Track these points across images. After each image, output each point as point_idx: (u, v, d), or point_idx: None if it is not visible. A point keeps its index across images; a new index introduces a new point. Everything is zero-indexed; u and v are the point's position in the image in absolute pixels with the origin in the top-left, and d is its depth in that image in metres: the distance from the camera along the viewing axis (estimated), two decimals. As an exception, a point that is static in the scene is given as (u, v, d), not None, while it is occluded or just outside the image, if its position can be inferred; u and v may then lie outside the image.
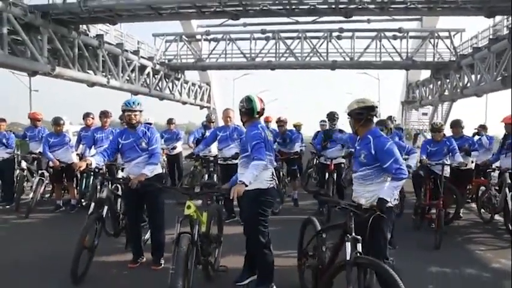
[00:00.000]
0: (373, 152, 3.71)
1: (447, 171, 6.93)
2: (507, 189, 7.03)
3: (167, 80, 29.55)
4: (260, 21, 26.01)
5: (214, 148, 8.68)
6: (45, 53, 17.89)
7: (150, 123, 9.16)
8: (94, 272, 4.76)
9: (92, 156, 5.68)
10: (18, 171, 8.76)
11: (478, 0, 16.46)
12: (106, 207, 5.04)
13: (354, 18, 25.54)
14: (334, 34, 27.25)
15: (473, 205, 8.99)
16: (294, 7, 17.72)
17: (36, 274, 4.97)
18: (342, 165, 8.31)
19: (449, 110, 31.42)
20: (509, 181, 7.16)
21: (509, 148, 7.43)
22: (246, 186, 3.88)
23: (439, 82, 28.02)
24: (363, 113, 3.82)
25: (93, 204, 5.08)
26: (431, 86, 29.75)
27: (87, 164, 4.84)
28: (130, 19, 19.47)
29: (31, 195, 8.14)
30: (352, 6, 17.38)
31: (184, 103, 32.79)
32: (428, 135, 28.38)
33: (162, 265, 5.13)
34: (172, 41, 29.15)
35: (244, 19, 28.29)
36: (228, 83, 41.99)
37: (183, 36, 29.32)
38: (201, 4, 17.24)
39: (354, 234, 3.36)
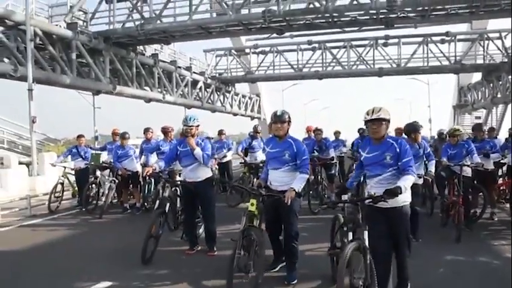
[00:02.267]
0: (398, 150, 4.10)
1: (467, 171, 7.46)
2: None
3: (218, 93, 30.96)
4: (307, 32, 26.82)
5: (261, 155, 9.59)
6: (107, 73, 19.67)
7: (208, 137, 10.31)
8: (159, 257, 5.80)
9: (155, 162, 6.77)
10: (92, 179, 10.10)
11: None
12: (168, 205, 6.10)
13: (408, 24, 25.91)
14: (380, 41, 27.56)
15: (508, 205, 9.31)
16: (336, 20, 18.43)
17: (112, 259, 6.12)
18: None
19: (504, 112, 30.64)
20: None
21: None
22: (297, 193, 4.69)
23: (490, 85, 27.50)
24: (387, 121, 4.21)
25: (157, 202, 6.18)
26: (483, 89, 29.22)
27: (152, 170, 5.93)
28: (183, 39, 20.97)
29: (103, 199, 9.48)
30: (392, 15, 17.84)
31: (235, 114, 34.09)
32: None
33: (215, 252, 6.08)
34: (222, 56, 30.63)
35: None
36: (277, 94, 43.11)
37: (232, 51, 30.72)
38: (247, 22, 18.36)
39: (361, 225, 3.95)
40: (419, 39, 26.74)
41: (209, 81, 28.96)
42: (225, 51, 30.44)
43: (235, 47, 31.03)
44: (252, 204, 4.70)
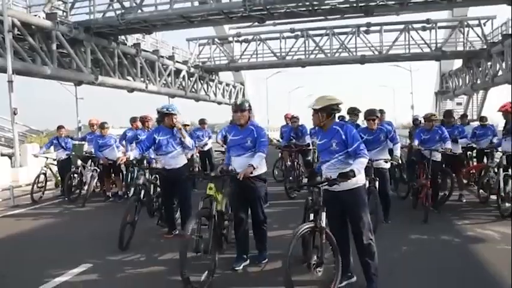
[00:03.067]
0: (343, 137, 4.18)
1: (437, 156, 7.76)
2: (501, 170, 7.75)
3: (202, 81, 31.03)
4: (289, 20, 26.99)
5: None
6: (88, 64, 19.62)
7: (187, 125, 10.47)
8: (137, 242, 6.02)
9: (130, 151, 6.95)
10: (73, 169, 10.23)
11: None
12: (143, 192, 6.30)
13: (388, 12, 26.12)
14: (362, 29, 27.79)
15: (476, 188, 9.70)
16: (316, 8, 18.61)
17: (94, 244, 6.36)
18: None
19: (483, 99, 31.27)
20: (504, 163, 7.87)
21: (509, 133, 8.10)
22: (254, 168, 4.84)
23: (471, 71, 28.00)
24: (335, 109, 4.33)
25: (132, 189, 6.40)
26: (463, 75, 29.74)
27: (126, 158, 6.17)
28: (164, 28, 20.98)
29: (86, 188, 9.64)
30: (372, 4, 18.10)
31: (219, 103, 34.23)
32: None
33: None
34: (205, 44, 30.60)
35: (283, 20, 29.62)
36: (262, 82, 43.27)
37: (215, 39, 30.73)
38: (228, 10, 18.42)
39: (319, 207, 4.18)
40: (401, 26, 27.00)
41: (192, 70, 28.97)
42: (208, 40, 30.43)
43: (218, 35, 31.03)
44: (210, 188, 4.83)
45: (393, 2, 18.09)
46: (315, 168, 4.85)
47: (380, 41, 27.42)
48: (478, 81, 26.75)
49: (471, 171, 9.93)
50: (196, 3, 18.91)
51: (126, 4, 19.00)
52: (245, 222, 5.20)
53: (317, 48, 28.36)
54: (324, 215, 4.13)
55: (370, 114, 6.94)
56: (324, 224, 4.10)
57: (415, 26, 26.80)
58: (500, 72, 23.58)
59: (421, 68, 66.27)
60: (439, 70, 33.36)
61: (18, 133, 15.61)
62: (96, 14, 19.38)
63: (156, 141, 6.32)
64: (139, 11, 18.80)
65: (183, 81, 28.53)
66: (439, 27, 27.13)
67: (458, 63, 30.38)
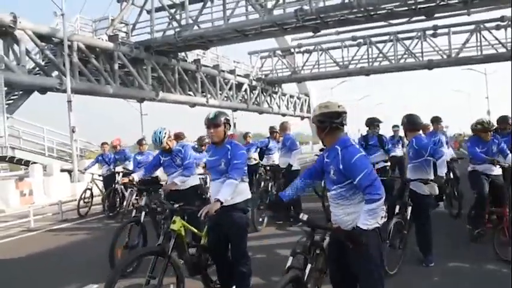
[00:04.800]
0: (340, 166, 3.08)
1: (499, 172, 6.29)
2: None
3: (265, 94, 31.14)
4: (352, 28, 26.31)
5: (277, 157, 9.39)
6: (149, 81, 20.45)
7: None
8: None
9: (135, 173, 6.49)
10: (116, 185, 10.51)
11: None
12: (143, 213, 5.70)
13: (452, 12, 24.68)
14: (429, 32, 26.53)
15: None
16: (372, 13, 17.91)
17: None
18: (387, 168, 8.48)
19: None
20: None
21: None
22: (222, 203, 3.84)
23: (554, 71, 25.54)
24: (325, 121, 3.17)
25: (134, 211, 6.07)
26: (546, 75, 27.19)
27: (129, 180, 5.89)
28: (220, 43, 21.36)
29: (124, 203, 9.84)
30: (432, 4, 17.07)
31: (284, 115, 34.05)
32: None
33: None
34: (267, 57, 30.81)
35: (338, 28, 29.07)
36: (328, 92, 42.51)
37: (277, 51, 30.79)
38: (281, 22, 18.32)
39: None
40: (471, 27, 25.39)
41: (254, 83, 29.21)
42: (270, 53, 30.57)
43: (278, 47, 31.08)
44: (174, 222, 4.04)
45: (456, 1, 16.91)
46: (281, 195, 3.55)
47: (448, 43, 25.89)
48: None
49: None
50: (250, 17, 19.11)
51: (184, 22, 19.57)
52: (226, 261, 4.26)
53: (381, 55, 27.44)
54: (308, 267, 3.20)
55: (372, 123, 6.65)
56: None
57: (487, 25, 25.06)
58: None
59: (499, 69, 60.97)
60: (519, 71, 30.70)
61: (79, 148, 16.54)
62: (157, 33, 20.16)
63: (161, 162, 6.10)
64: (196, 27, 19.27)
65: (245, 94, 28.84)
66: (516, 25, 25.00)
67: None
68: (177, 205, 4.22)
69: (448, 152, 9.38)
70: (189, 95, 24.00)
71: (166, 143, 5.81)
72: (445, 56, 25.99)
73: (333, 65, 29.03)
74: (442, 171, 5.32)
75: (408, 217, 5.25)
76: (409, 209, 5.25)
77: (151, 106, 56.45)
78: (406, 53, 26.88)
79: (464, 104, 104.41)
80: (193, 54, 23.91)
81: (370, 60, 27.68)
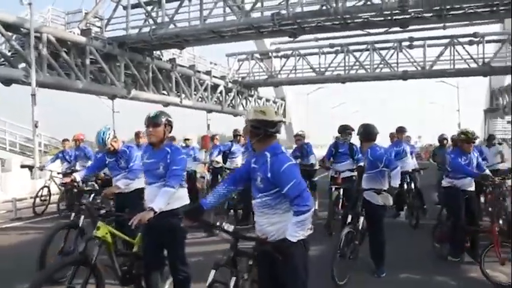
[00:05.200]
0: (269, 174, 2.91)
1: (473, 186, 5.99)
2: None
3: (240, 96, 30.98)
4: (331, 35, 26.54)
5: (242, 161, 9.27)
6: (122, 78, 20.04)
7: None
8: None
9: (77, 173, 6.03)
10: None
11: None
12: (82, 218, 5.11)
13: (428, 25, 25.15)
14: (405, 44, 26.86)
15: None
16: (348, 21, 17.99)
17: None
18: (353, 177, 8.35)
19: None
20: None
21: None
22: (155, 213, 3.64)
23: (523, 87, 26.20)
24: (259, 128, 2.99)
25: (73, 214, 5.49)
26: (514, 92, 27.91)
27: (71, 180, 5.51)
28: (197, 43, 21.16)
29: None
30: (406, 16, 17.25)
31: (259, 119, 33.92)
32: None
33: None
34: (244, 60, 30.67)
35: (315, 34, 29.22)
36: (304, 98, 42.82)
37: (255, 55, 30.71)
38: (258, 25, 18.21)
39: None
40: (446, 41, 25.85)
41: (230, 85, 29.02)
42: (247, 55, 30.46)
43: (256, 50, 31.01)
44: (98, 229, 3.82)
45: (430, 14, 17.13)
46: (202, 202, 3.24)
47: (423, 56, 26.29)
48: (532, 99, 24.90)
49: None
50: (228, 18, 18.95)
51: (160, 20, 19.26)
52: (157, 271, 4.03)
53: (357, 63, 27.62)
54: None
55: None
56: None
57: (461, 40, 25.53)
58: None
59: (472, 83, 62.97)
60: (489, 86, 31.46)
61: (43, 144, 16.05)
62: (132, 30, 19.79)
63: (106, 163, 5.70)
64: (172, 26, 19.00)
65: (220, 96, 28.64)
66: (487, 41, 25.67)
67: (510, 79, 28.56)
68: (103, 211, 4.04)
69: (412, 162, 9.42)
70: (163, 94, 23.62)
71: (111, 144, 5.41)
72: (419, 68, 26.34)
73: (310, 70, 29.06)
74: (396, 182, 5.28)
75: (360, 227, 5.18)
76: (361, 219, 5.18)
77: (123, 104, 55.82)
78: (382, 62, 27.13)
79: (438, 116, 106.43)
80: (169, 53, 23.60)
81: (347, 68, 27.82)
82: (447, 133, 11.05)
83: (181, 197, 4.00)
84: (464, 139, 5.69)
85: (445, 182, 5.98)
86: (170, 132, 4.05)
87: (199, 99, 26.27)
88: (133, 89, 20.91)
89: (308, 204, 2.83)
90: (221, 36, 19.44)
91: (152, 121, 3.92)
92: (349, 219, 5.11)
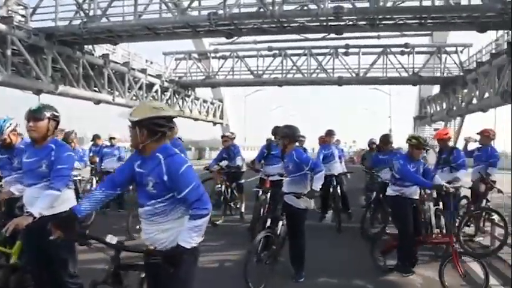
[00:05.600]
0: (165, 177, 2.66)
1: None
2: (431, 204, 6.43)
3: (177, 96, 30.34)
4: (270, 39, 26.76)
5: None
6: (49, 72, 18.86)
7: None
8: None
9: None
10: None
11: (467, 16, 16.42)
12: None
13: (364, 34, 26.02)
14: (341, 51, 27.60)
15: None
16: (285, 25, 18.15)
17: None
18: (281, 182, 8.20)
19: (460, 125, 30.85)
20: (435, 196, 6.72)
21: (445, 163, 7.27)
22: (35, 218, 3.25)
23: (447, 97, 27.74)
24: (163, 125, 2.76)
25: None
26: (440, 101, 29.53)
27: (6, 196, 4.42)
28: (130, 39, 20.42)
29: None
30: (341, 23, 17.68)
31: (196, 119, 33.50)
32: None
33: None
34: (182, 59, 30.15)
35: (254, 36, 29.32)
36: (242, 100, 43.11)
37: (193, 54, 30.29)
38: (194, 24, 17.89)
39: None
40: (379, 49, 26.90)
41: (167, 84, 28.35)
42: (185, 55, 29.98)
43: (194, 50, 30.63)
44: None
45: (364, 23, 17.66)
46: (75, 209, 2.89)
47: (358, 63, 27.18)
48: (454, 108, 26.41)
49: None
50: (164, 15, 18.46)
51: (92, 13, 18.35)
52: (48, 282, 3.61)
53: (294, 67, 27.99)
54: None
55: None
56: None
57: (393, 49, 26.68)
58: (474, 100, 23.26)
59: (403, 92, 67.63)
60: (419, 95, 33.12)
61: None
62: (61, 22, 18.71)
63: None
64: (105, 20, 18.19)
65: (155, 95, 27.90)
66: (417, 53, 27.07)
67: (437, 88, 30.16)
68: None
69: (339, 166, 9.55)
70: (95, 91, 22.60)
71: (9, 135, 4.53)
72: (354, 74, 27.16)
73: (248, 73, 29.10)
74: (317, 185, 5.19)
75: (279, 231, 5.07)
76: (280, 223, 5.07)
77: (51, 100, 53.17)
78: (319, 68, 27.69)
79: (372, 122, 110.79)
80: (102, 49, 22.57)
81: (284, 71, 28.14)
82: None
83: (67, 200, 3.59)
84: (414, 144, 5.46)
85: (391, 191, 5.70)
86: (56, 128, 3.65)
87: (134, 98, 25.41)
88: (61, 85, 19.77)
89: (207, 207, 2.66)
90: (156, 34, 18.91)
91: (33, 115, 3.51)
92: (268, 222, 4.99)
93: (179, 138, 7.27)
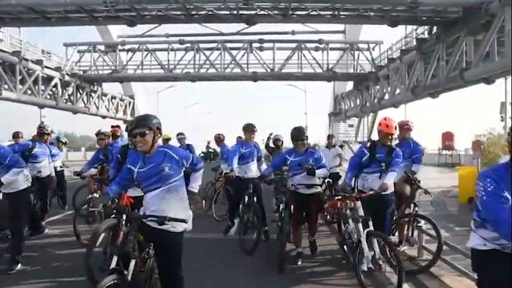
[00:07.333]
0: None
1: None
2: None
3: (81, 92, 27.73)
4: (181, 32, 25.38)
5: None
6: None
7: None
8: None
9: None
10: None
11: (378, 9, 16.18)
12: None
13: (279, 29, 25.42)
14: (255, 45, 26.78)
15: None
16: (193, 13, 16.85)
17: None
18: None
19: (373, 121, 31.46)
20: None
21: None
22: None
23: (360, 94, 28.02)
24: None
25: None
26: (353, 97, 29.83)
27: None
28: (15, 23, 17.97)
29: None
30: (252, 12, 16.73)
31: (104, 117, 30.96)
32: (355, 147, 28.22)
33: None
34: (86, 51, 27.64)
35: (166, 30, 27.63)
36: (155, 96, 41.06)
37: (98, 46, 27.90)
38: (88, 8, 15.93)
39: None
40: (294, 45, 26.48)
41: (68, 78, 25.68)
42: (89, 46, 27.52)
43: (99, 42, 28.32)
44: None
45: (276, 12, 16.83)
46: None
47: (273, 58, 26.54)
48: (367, 104, 26.67)
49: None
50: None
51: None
52: None
53: (208, 62, 26.70)
54: None
55: None
56: None
57: (308, 45, 26.35)
58: (386, 96, 23.51)
59: (318, 88, 69.92)
60: (333, 91, 33.39)
61: None
62: None
63: None
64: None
65: (55, 90, 25.17)
66: (331, 49, 27.07)
67: (351, 85, 30.49)
68: None
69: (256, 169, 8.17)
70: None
71: None
72: (269, 70, 26.46)
73: (158, 67, 27.33)
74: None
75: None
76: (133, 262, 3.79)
77: None
78: (233, 62, 26.65)
79: (289, 119, 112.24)
80: (-17, 35, 19.77)
81: (197, 66, 26.74)
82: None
83: None
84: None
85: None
86: None
87: (28, 92, 22.60)
88: None
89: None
90: (46, 18, 16.71)
91: None
92: (114, 262, 3.49)
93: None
